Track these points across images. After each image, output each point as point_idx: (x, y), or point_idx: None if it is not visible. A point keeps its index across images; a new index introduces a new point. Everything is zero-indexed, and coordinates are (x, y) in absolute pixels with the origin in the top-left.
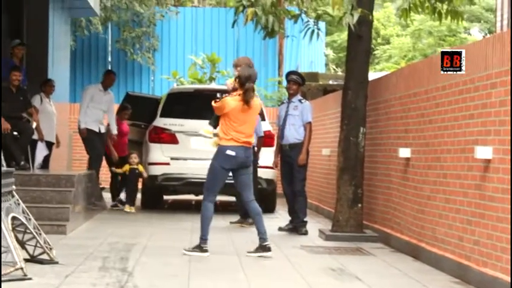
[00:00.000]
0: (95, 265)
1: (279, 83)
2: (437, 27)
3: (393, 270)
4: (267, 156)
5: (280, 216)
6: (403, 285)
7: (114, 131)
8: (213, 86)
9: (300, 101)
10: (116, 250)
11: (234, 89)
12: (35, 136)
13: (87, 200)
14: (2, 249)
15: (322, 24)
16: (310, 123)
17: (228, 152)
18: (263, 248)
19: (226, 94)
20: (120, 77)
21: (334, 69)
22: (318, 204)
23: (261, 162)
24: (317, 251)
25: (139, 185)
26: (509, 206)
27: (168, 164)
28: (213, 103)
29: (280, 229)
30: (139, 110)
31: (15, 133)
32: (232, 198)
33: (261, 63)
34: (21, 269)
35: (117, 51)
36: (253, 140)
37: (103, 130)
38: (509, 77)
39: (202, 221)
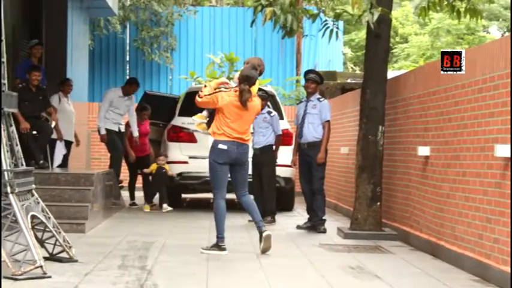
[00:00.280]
0: (114, 263)
1: (297, 81)
2: (456, 26)
3: (413, 268)
4: (286, 154)
5: (299, 215)
6: (423, 284)
7: (136, 133)
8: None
9: (318, 99)
10: (134, 248)
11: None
12: (54, 135)
13: (106, 198)
14: (22, 247)
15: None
16: (328, 121)
17: (220, 146)
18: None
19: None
20: (138, 76)
21: (352, 68)
22: (336, 202)
23: (279, 161)
24: (336, 249)
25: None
26: None
27: (186, 162)
28: (197, 97)
29: (298, 227)
30: (157, 109)
31: (34, 132)
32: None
33: (279, 62)
34: (41, 267)
35: (135, 51)
36: (249, 137)
37: (122, 129)
38: None
39: (216, 220)
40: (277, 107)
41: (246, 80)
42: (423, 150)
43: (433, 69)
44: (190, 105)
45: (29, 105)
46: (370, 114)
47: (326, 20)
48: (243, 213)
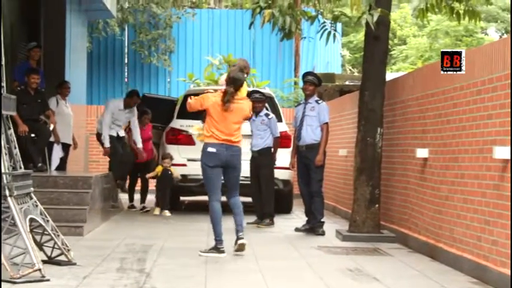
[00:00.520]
0: (113, 266)
1: (295, 83)
2: (454, 27)
3: (411, 270)
4: (284, 157)
5: (297, 217)
6: (421, 286)
7: (139, 145)
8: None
9: (316, 101)
10: (133, 251)
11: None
12: (51, 138)
13: (104, 201)
14: (20, 250)
15: (338, 25)
16: (327, 124)
17: (209, 149)
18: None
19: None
20: (136, 78)
21: (350, 70)
22: (335, 204)
23: (277, 163)
24: (334, 251)
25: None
26: None
27: (184, 165)
28: (188, 99)
29: (297, 230)
30: (156, 112)
31: (32, 135)
32: (249, 199)
33: (277, 65)
34: (39, 270)
35: (134, 53)
36: (239, 139)
37: (121, 134)
38: None
39: (212, 222)
40: (275, 109)
41: (233, 82)
42: (421, 152)
43: (431, 71)
44: None
45: (28, 108)
46: (369, 116)
47: (324, 22)
48: None
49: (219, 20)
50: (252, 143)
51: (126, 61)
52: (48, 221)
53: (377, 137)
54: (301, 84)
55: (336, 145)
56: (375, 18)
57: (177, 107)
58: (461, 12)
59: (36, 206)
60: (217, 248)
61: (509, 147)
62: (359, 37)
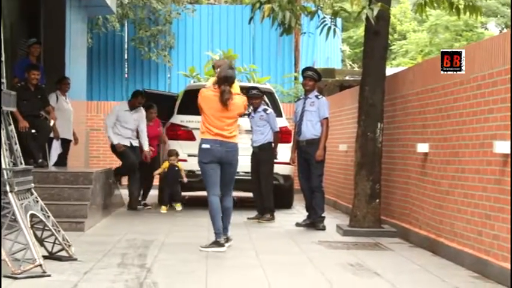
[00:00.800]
0: (114, 262)
1: (295, 78)
2: (454, 22)
3: (412, 265)
4: (284, 152)
5: (298, 212)
6: (422, 281)
7: (146, 147)
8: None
9: (316, 97)
10: (134, 247)
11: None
12: (51, 134)
13: (105, 196)
14: (21, 246)
15: (338, 21)
16: (327, 119)
17: (203, 145)
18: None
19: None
20: (136, 74)
21: (350, 65)
22: (335, 199)
23: (278, 158)
24: (335, 246)
25: (156, 182)
26: None
27: (185, 160)
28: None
29: (297, 224)
30: (156, 107)
31: (33, 131)
32: (250, 194)
33: (277, 60)
34: (40, 265)
35: (134, 49)
36: (233, 135)
37: (134, 144)
38: None
39: (211, 216)
40: (275, 105)
41: (226, 80)
42: (422, 147)
43: (431, 66)
44: (189, 104)
45: (28, 104)
46: (369, 111)
47: (324, 18)
48: (241, 211)
49: (219, 16)
50: (253, 138)
51: (126, 57)
52: (49, 216)
53: (377, 132)
54: (301, 79)
55: (336, 140)
56: (375, 13)
57: (178, 103)
58: (461, 7)
59: (37, 201)
60: (217, 242)
61: (509, 142)
62: (359, 32)
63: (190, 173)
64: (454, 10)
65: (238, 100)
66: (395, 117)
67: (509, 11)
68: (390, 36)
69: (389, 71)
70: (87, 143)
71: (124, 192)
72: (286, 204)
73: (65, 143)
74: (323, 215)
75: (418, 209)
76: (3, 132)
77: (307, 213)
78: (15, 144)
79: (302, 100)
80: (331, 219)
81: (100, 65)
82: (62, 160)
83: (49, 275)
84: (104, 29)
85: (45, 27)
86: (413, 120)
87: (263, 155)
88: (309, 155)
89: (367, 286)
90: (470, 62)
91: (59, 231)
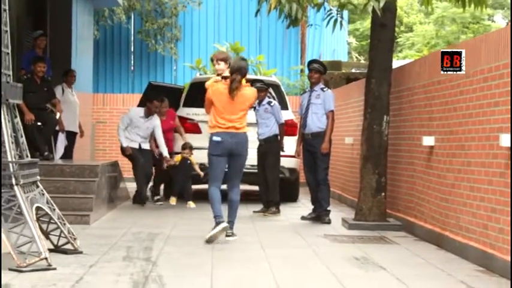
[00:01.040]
0: (119, 255)
1: (301, 71)
2: (461, 14)
3: (417, 259)
4: (290, 145)
5: (303, 205)
6: (427, 274)
7: (165, 153)
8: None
9: (322, 89)
10: (139, 240)
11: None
12: (57, 127)
13: (111, 189)
14: (27, 239)
15: (344, 13)
16: (332, 111)
17: (214, 138)
18: (216, 224)
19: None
20: (142, 66)
21: (357, 58)
22: (340, 193)
23: (285, 151)
24: (340, 239)
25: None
26: None
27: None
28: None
29: (303, 218)
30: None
31: (39, 124)
32: (255, 188)
33: (283, 52)
34: (46, 259)
35: (140, 41)
36: (243, 125)
37: (143, 147)
38: None
39: (211, 204)
40: (282, 97)
41: (238, 70)
42: (428, 140)
43: (437, 59)
44: (195, 96)
45: (34, 96)
46: (375, 104)
47: (330, 10)
48: (247, 204)
49: (225, 8)
50: (259, 131)
51: (132, 49)
52: (54, 209)
53: (383, 125)
54: (307, 71)
55: (342, 133)
56: (381, 5)
57: (183, 95)
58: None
59: (43, 194)
60: (216, 223)
61: None
62: (365, 24)
63: (201, 166)
64: (459, 2)
65: (249, 91)
66: (401, 110)
67: None
68: (397, 29)
69: (396, 63)
70: (93, 136)
71: (132, 186)
72: (292, 198)
73: (71, 136)
74: (328, 208)
75: (423, 203)
76: (9, 125)
77: (312, 207)
78: (21, 136)
79: (308, 93)
80: (337, 213)
81: (106, 57)
82: (67, 153)
83: (54, 268)
84: (110, 22)
85: (51, 19)
86: (419, 113)
87: (269, 147)
88: (314, 148)
89: (373, 279)
90: (477, 55)
91: (65, 224)
